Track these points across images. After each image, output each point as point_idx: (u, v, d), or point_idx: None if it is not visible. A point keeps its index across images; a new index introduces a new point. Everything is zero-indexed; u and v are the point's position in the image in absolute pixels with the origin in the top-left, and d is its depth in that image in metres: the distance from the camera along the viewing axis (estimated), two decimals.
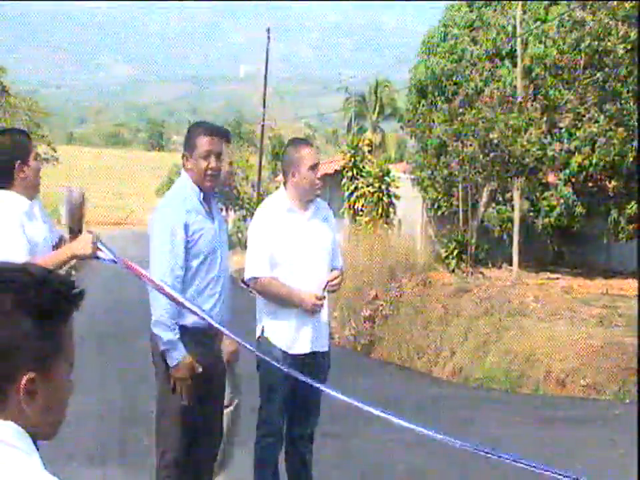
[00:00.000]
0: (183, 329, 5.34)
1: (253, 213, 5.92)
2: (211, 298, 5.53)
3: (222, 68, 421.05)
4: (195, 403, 5.38)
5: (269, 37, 43.82)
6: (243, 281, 6.14)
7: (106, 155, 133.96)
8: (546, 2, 24.05)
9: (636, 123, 21.10)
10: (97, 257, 4.89)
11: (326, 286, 5.90)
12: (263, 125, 45.23)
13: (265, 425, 5.97)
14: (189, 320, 5.38)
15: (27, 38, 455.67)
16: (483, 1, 25.95)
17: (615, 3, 21.38)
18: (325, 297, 5.89)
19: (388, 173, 25.25)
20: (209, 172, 5.57)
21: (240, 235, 43.17)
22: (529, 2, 23.98)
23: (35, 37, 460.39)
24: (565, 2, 23.32)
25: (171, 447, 5.46)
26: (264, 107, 44.45)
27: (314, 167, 5.92)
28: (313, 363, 5.96)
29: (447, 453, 8.65)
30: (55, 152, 38.88)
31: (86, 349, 14.79)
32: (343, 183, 29.11)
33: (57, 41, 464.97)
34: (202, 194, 5.55)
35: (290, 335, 5.89)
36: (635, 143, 21.20)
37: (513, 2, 24.09)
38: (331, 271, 6.04)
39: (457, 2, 26.89)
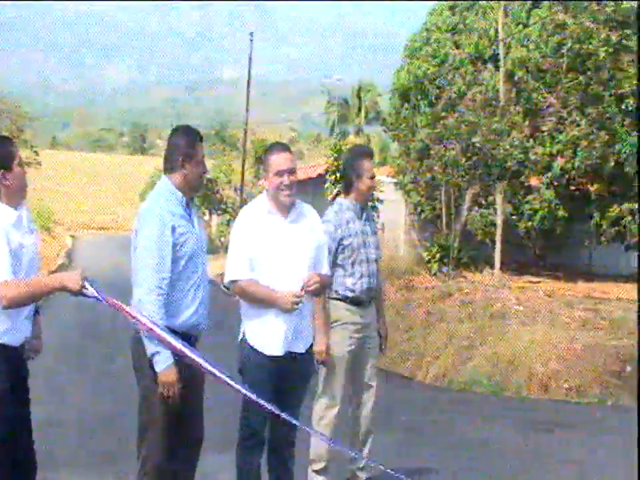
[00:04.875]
0: (169, 331, 5.33)
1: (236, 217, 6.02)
2: (194, 301, 5.53)
3: (209, 71, 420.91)
4: (176, 409, 5.37)
5: (251, 41, 43.84)
6: (224, 285, 6.18)
7: (89, 158, 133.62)
8: (527, 5, 24.11)
9: (617, 126, 21.21)
10: (83, 294, 4.93)
11: (304, 285, 5.91)
12: (245, 129, 45.22)
13: (246, 429, 5.98)
14: (175, 322, 5.40)
15: (17, 40, 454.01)
16: (466, 1, 26.01)
17: (595, 6, 21.48)
18: (303, 295, 5.90)
19: None
20: (204, 177, 5.77)
21: (223, 239, 43.15)
22: (510, 6, 24.02)
23: (24, 39, 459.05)
24: (548, 1, 23.39)
25: (153, 454, 5.43)
26: (247, 110, 44.46)
27: (280, 173, 5.95)
28: (293, 364, 5.99)
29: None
30: (38, 155, 38.69)
31: (68, 356, 14.77)
32: (325, 187, 29.13)
33: (46, 43, 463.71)
34: (184, 199, 5.56)
35: (269, 337, 5.92)
36: (618, 146, 21.28)
37: (494, 5, 24.16)
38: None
39: (440, 1, 26.97)
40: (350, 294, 7.01)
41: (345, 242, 6.97)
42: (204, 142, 5.83)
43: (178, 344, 5.18)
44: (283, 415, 5.38)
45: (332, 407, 7.04)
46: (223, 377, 5.17)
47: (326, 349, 6.75)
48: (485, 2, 25.38)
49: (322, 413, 7.05)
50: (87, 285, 4.94)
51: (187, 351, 5.19)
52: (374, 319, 7.28)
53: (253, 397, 5.34)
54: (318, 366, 6.94)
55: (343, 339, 6.98)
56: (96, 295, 4.97)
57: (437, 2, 27.40)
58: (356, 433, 7.23)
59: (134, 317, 5.13)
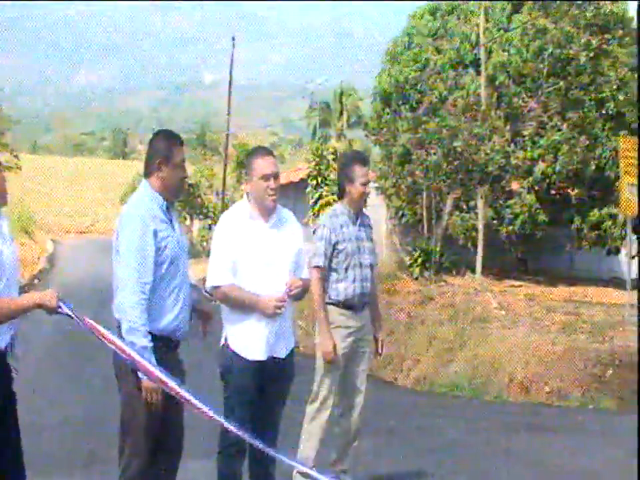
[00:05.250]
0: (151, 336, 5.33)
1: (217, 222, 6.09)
2: (175, 305, 5.51)
3: (192, 76, 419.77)
4: (158, 414, 5.36)
5: (234, 45, 43.88)
6: (206, 291, 6.17)
7: (70, 163, 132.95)
8: (508, 10, 24.19)
9: (598, 131, 21.33)
10: (58, 312, 4.90)
11: (287, 290, 5.93)
12: (227, 134, 45.18)
13: (227, 436, 5.96)
14: (157, 326, 5.38)
15: (19, 40, 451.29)
16: (448, 0, 26.07)
17: (576, 11, 21.59)
18: (285, 300, 5.92)
19: None
20: (184, 181, 5.72)
21: (204, 244, 43.14)
22: (491, 11, 24.09)
23: (8, 43, 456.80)
24: (531, 0, 23.47)
25: (135, 459, 5.41)
26: (228, 114, 44.46)
27: (265, 177, 5.97)
28: (276, 368, 6.01)
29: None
30: (18, 159, 38.53)
31: (51, 361, 14.74)
32: (307, 191, 29.17)
33: (30, 48, 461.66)
34: (165, 202, 5.55)
35: (251, 341, 5.93)
36: (598, 150, 21.40)
37: (475, 10, 24.23)
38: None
39: (423, 2, 27.03)
40: (343, 298, 7.03)
41: (340, 246, 6.99)
42: (185, 146, 5.82)
43: (157, 371, 5.12)
44: (260, 446, 5.28)
45: (324, 410, 7.05)
46: (203, 407, 5.11)
47: (333, 349, 6.85)
48: (465, 7, 25.46)
49: (314, 414, 7.06)
50: (61, 304, 4.91)
51: (164, 377, 5.13)
52: (368, 323, 7.29)
53: (235, 430, 5.26)
54: (315, 367, 7.00)
55: (338, 343, 7.00)
56: (70, 313, 4.93)
57: (418, 4, 27.46)
58: (343, 436, 7.23)
59: (112, 342, 5.07)
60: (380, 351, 7.45)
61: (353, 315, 7.09)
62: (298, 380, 6.29)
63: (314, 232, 7.19)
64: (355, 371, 7.21)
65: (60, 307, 4.88)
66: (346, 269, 7.03)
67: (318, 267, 6.91)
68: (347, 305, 7.05)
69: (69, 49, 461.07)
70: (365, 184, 7.16)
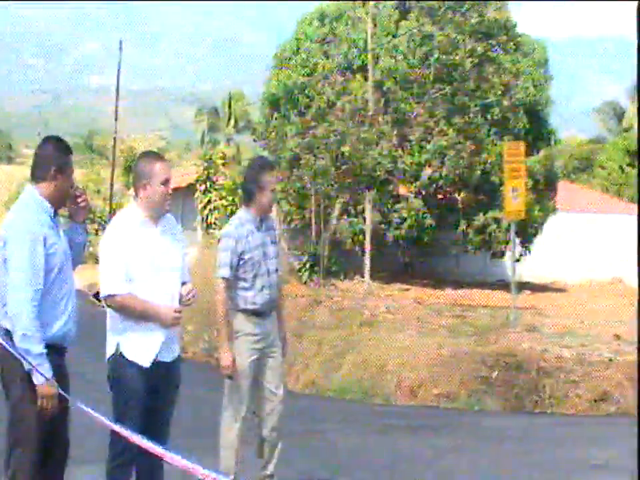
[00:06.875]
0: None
1: (105, 227, 5.99)
2: (63, 313, 5.44)
3: (76, 79, 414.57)
4: (48, 423, 5.27)
5: (121, 49, 43.46)
6: (94, 296, 6.08)
7: None
8: (396, 17, 24.40)
9: (483, 136, 21.66)
10: None
11: (182, 299, 5.88)
12: (114, 138, 44.70)
13: (117, 445, 5.86)
14: (47, 333, 5.30)
15: None
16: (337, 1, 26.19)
17: (461, 18, 21.92)
18: (182, 310, 5.89)
19: None
20: (72, 190, 5.64)
21: (91, 249, 42.58)
22: (379, 17, 24.27)
23: None
24: (417, 5, 23.72)
25: (22, 470, 5.30)
26: (116, 119, 44.01)
27: (166, 182, 5.90)
28: (167, 373, 5.95)
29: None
30: None
31: None
32: (196, 196, 29.01)
33: None
34: (52, 209, 5.46)
35: (146, 349, 5.84)
36: (484, 155, 21.70)
37: (363, 16, 24.39)
38: (182, 285, 6.02)
39: (315, 2, 27.12)
40: (251, 307, 7.01)
41: (246, 256, 6.95)
42: (73, 152, 5.74)
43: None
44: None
45: (237, 419, 7.00)
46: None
47: (232, 362, 6.81)
48: (353, 13, 25.59)
49: (228, 424, 7.01)
50: None
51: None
52: (275, 328, 7.26)
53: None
54: (225, 380, 6.97)
55: (246, 350, 6.96)
56: None
57: (307, 9, 27.57)
58: (261, 444, 7.20)
59: None
60: (284, 352, 7.44)
61: (260, 322, 7.06)
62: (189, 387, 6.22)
63: (218, 240, 7.12)
64: (268, 376, 7.17)
65: None
66: (254, 277, 7.00)
67: (223, 277, 6.88)
68: (254, 313, 7.03)
69: None
70: (274, 190, 7.17)
